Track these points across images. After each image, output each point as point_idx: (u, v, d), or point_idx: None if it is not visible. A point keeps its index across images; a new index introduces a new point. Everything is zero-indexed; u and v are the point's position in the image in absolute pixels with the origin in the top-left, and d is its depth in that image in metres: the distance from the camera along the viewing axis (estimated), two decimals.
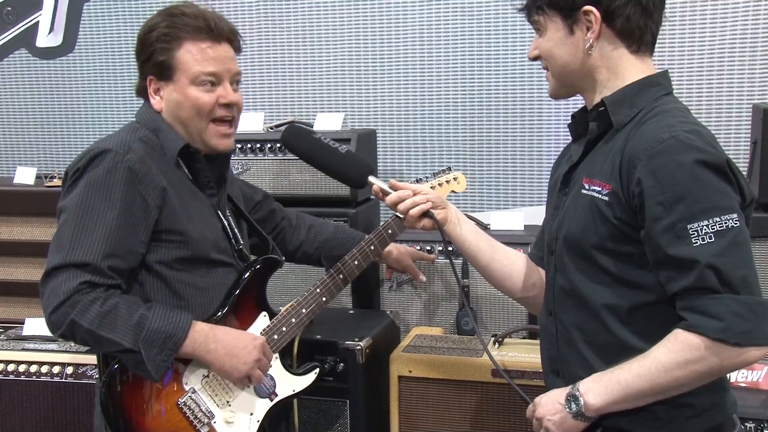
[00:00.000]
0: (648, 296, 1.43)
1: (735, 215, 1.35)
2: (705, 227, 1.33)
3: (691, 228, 1.34)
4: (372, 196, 2.90)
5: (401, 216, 1.82)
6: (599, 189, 1.46)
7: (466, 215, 2.69)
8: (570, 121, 1.63)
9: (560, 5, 1.47)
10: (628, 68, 1.49)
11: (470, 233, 1.80)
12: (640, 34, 1.47)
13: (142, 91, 1.83)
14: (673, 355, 1.36)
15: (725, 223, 1.33)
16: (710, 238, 1.33)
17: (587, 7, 1.45)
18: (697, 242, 1.33)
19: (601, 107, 1.50)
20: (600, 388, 1.42)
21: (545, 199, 1.75)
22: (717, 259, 1.33)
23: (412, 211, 1.77)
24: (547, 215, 1.69)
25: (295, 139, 1.93)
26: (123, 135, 1.74)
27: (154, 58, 1.74)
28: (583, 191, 1.50)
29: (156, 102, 1.77)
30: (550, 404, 1.49)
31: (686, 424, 1.45)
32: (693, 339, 1.35)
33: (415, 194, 1.79)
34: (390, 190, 1.82)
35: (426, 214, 1.78)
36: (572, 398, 1.44)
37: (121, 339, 1.62)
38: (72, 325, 1.61)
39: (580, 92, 1.57)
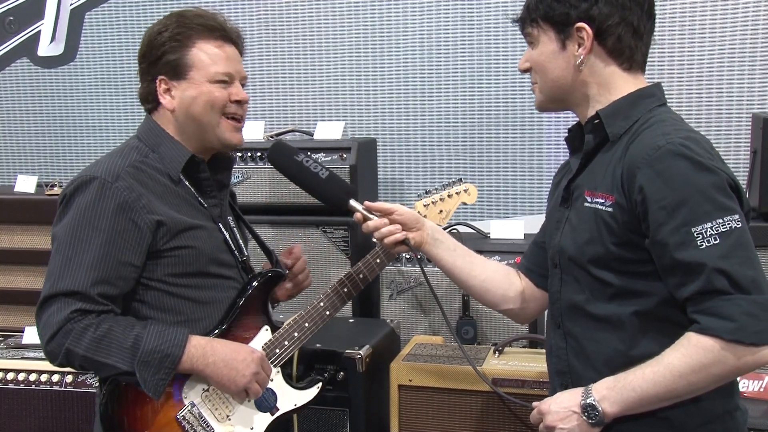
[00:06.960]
0: (652, 303, 1.44)
1: (737, 216, 1.36)
2: (709, 229, 1.34)
3: (695, 231, 1.35)
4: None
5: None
6: (602, 201, 1.47)
7: (466, 224, 2.73)
8: (567, 135, 1.64)
9: (554, 19, 1.49)
10: (620, 84, 1.51)
11: (446, 252, 1.79)
12: (630, 53, 1.50)
13: (148, 95, 1.80)
14: (687, 359, 1.36)
15: (728, 224, 1.34)
16: (715, 239, 1.34)
17: (580, 24, 1.47)
18: (702, 245, 1.34)
19: (596, 120, 1.51)
20: (615, 396, 1.42)
21: (545, 209, 1.75)
22: (724, 261, 1.33)
23: (386, 241, 1.77)
24: (548, 229, 1.69)
25: (279, 158, 1.88)
26: (113, 160, 1.72)
27: (166, 57, 1.75)
28: (586, 204, 1.51)
29: (167, 101, 1.76)
30: (562, 412, 1.48)
31: (699, 429, 1.45)
32: (707, 341, 1.34)
33: (389, 215, 1.76)
34: (371, 216, 1.79)
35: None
36: (590, 408, 1.44)
37: (117, 362, 1.63)
38: (68, 354, 1.62)
39: (571, 107, 1.58)
